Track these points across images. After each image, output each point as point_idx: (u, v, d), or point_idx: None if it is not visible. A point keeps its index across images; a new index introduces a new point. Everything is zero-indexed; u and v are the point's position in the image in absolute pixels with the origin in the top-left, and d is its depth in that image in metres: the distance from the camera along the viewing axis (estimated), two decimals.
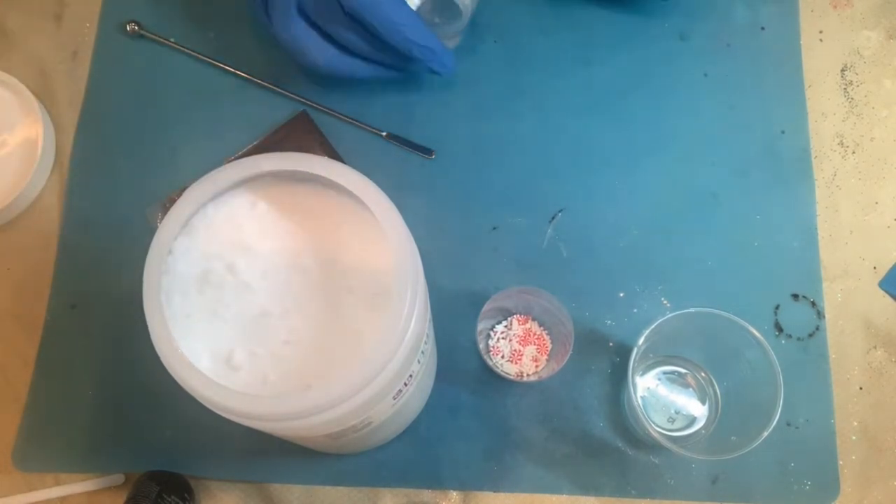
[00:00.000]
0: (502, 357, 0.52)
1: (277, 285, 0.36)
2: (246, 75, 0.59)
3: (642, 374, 0.52)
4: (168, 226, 0.35)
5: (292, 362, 0.35)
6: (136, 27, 0.60)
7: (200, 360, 0.34)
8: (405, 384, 0.38)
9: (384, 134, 0.58)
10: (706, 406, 0.52)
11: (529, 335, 0.53)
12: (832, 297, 0.55)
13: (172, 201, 0.48)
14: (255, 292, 0.36)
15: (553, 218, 0.56)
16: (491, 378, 0.53)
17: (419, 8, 0.58)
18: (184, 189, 0.36)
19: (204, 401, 0.33)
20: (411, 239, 0.35)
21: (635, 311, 0.54)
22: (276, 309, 0.35)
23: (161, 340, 0.33)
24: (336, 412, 0.32)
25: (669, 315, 0.47)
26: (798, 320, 0.54)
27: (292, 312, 0.36)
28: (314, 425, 0.33)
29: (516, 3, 0.61)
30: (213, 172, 0.36)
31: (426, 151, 0.57)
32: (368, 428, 0.39)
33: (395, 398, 0.38)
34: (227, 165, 0.36)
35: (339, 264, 0.36)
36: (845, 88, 0.60)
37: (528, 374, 0.52)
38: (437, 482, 0.51)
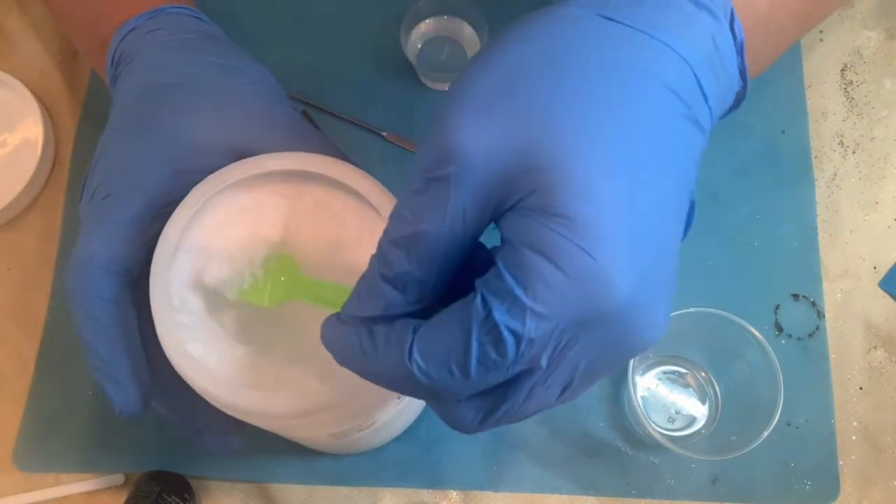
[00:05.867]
0: None
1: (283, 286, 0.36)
2: None
3: (642, 374, 0.52)
4: (172, 225, 0.35)
5: (298, 362, 0.35)
6: None
7: (206, 358, 0.34)
8: None
9: (384, 134, 0.58)
10: (706, 406, 0.52)
11: None
12: (832, 297, 0.55)
13: None
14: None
15: None
16: None
17: (425, 46, 0.58)
18: None
19: (211, 399, 0.33)
20: None
21: None
22: (281, 308, 0.35)
23: (167, 338, 0.33)
24: (341, 411, 0.32)
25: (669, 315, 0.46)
26: (798, 320, 0.54)
27: (298, 312, 0.35)
28: (320, 424, 0.33)
29: (516, 3, 0.61)
30: (217, 171, 0.36)
31: None
32: (371, 428, 0.39)
33: (398, 398, 0.37)
34: (232, 164, 0.36)
35: (344, 264, 0.36)
36: (845, 88, 0.60)
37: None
38: (437, 482, 0.51)
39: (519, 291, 0.24)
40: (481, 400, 0.27)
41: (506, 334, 0.24)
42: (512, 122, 0.25)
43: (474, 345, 0.24)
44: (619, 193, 0.25)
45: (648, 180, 0.26)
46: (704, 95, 0.28)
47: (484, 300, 0.24)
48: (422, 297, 0.27)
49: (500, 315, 0.24)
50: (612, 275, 0.24)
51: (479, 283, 0.25)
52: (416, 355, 0.25)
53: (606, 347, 0.26)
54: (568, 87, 0.26)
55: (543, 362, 0.25)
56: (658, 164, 0.26)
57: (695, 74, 0.27)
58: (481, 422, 0.28)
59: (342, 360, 0.28)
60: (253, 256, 0.36)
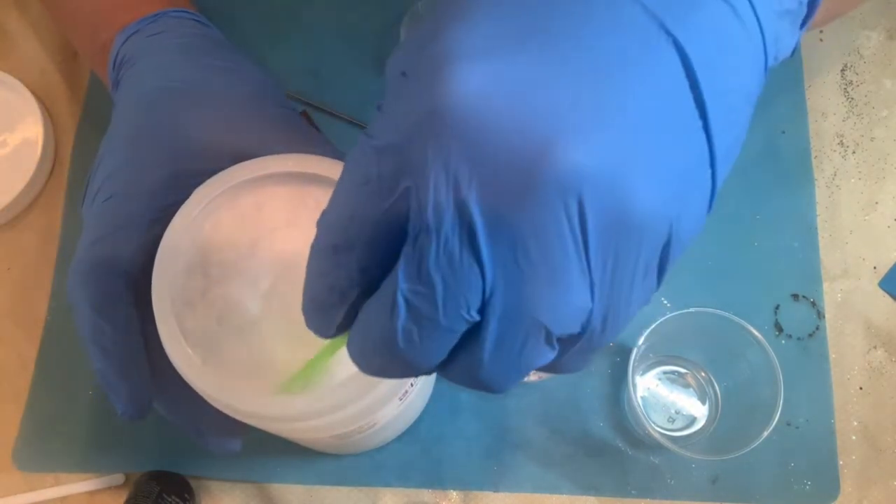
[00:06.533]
0: None
1: (285, 287, 0.36)
2: None
3: (642, 374, 0.52)
4: (174, 227, 0.35)
5: (300, 363, 0.35)
6: None
7: (208, 360, 0.34)
8: (411, 384, 0.38)
9: None
10: (706, 406, 0.52)
11: None
12: (832, 297, 0.55)
13: None
14: (263, 295, 0.36)
15: None
16: None
17: None
18: None
19: (213, 402, 0.33)
20: None
21: None
22: (284, 311, 0.35)
23: (169, 339, 0.33)
24: (345, 413, 0.32)
25: (669, 315, 0.47)
26: (798, 320, 0.54)
27: (301, 314, 0.35)
28: (322, 426, 0.33)
29: None
30: (219, 174, 0.36)
31: None
32: (374, 429, 0.39)
33: (401, 399, 0.38)
34: (233, 167, 0.36)
35: None
36: (845, 88, 0.60)
37: (528, 375, 0.52)
38: (437, 482, 0.51)
39: (379, 112, 0.21)
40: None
41: (361, 142, 0.21)
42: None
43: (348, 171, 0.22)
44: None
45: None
46: None
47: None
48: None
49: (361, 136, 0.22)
50: (451, 57, 0.19)
51: None
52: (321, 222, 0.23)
53: (477, 164, 0.19)
54: None
55: (407, 182, 0.20)
56: None
57: None
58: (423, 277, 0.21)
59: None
60: (254, 260, 0.36)
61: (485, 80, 0.19)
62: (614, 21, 0.20)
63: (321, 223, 0.23)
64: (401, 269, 0.20)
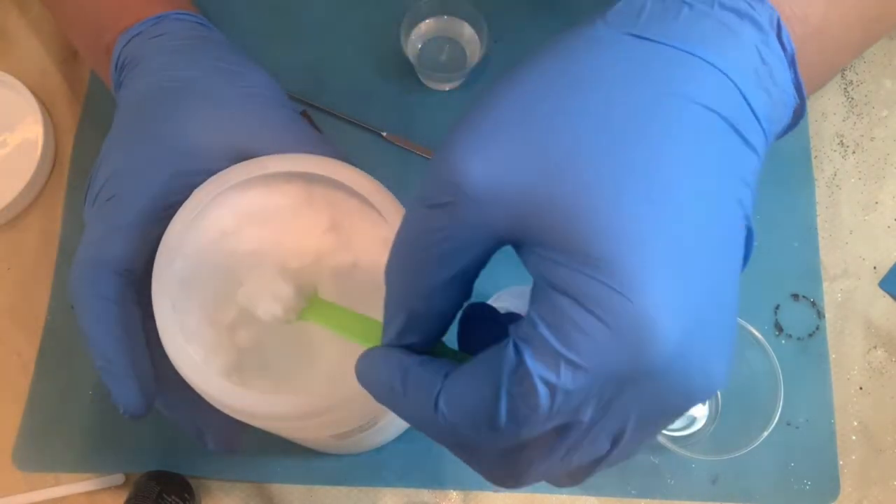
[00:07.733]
0: None
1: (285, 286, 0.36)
2: None
3: None
4: (174, 226, 0.35)
5: (302, 363, 0.35)
6: None
7: (208, 360, 0.34)
8: None
9: (384, 134, 0.58)
10: (706, 406, 0.52)
11: None
12: (832, 297, 0.55)
13: None
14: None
15: None
16: None
17: (425, 46, 0.58)
18: None
19: (213, 401, 0.33)
20: None
21: None
22: (285, 310, 0.35)
23: (170, 339, 0.33)
24: (344, 413, 0.32)
25: None
26: (798, 320, 0.54)
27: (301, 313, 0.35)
28: (323, 426, 0.33)
29: (517, 2, 0.61)
30: (219, 173, 0.36)
31: (426, 151, 0.57)
32: (374, 428, 0.39)
33: None
34: (234, 166, 0.36)
35: (348, 265, 0.36)
36: (845, 88, 0.60)
37: None
38: (437, 482, 0.51)
39: (552, 339, 0.22)
40: (517, 454, 0.25)
41: (538, 385, 0.22)
42: (521, 152, 0.23)
43: (503, 396, 0.22)
44: (656, 226, 0.22)
45: (690, 208, 0.23)
46: (754, 112, 0.25)
47: (516, 347, 0.22)
48: (426, 328, 0.25)
49: (532, 363, 0.22)
50: (656, 320, 0.22)
51: (511, 328, 0.23)
52: (441, 403, 0.24)
53: (660, 401, 0.23)
54: (586, 114, 0.23)
55: (585, 417, 0.23)
56: (699, 188, 0.23)
57: (739, 90, 0.25)
58: (518, 478, 0.25)
59: (376, 397, 0.26)
60: (255, 259, 0.36)
61: (676, 342, 0.22)
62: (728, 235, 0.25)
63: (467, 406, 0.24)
64: (551, 452, 0.25)
